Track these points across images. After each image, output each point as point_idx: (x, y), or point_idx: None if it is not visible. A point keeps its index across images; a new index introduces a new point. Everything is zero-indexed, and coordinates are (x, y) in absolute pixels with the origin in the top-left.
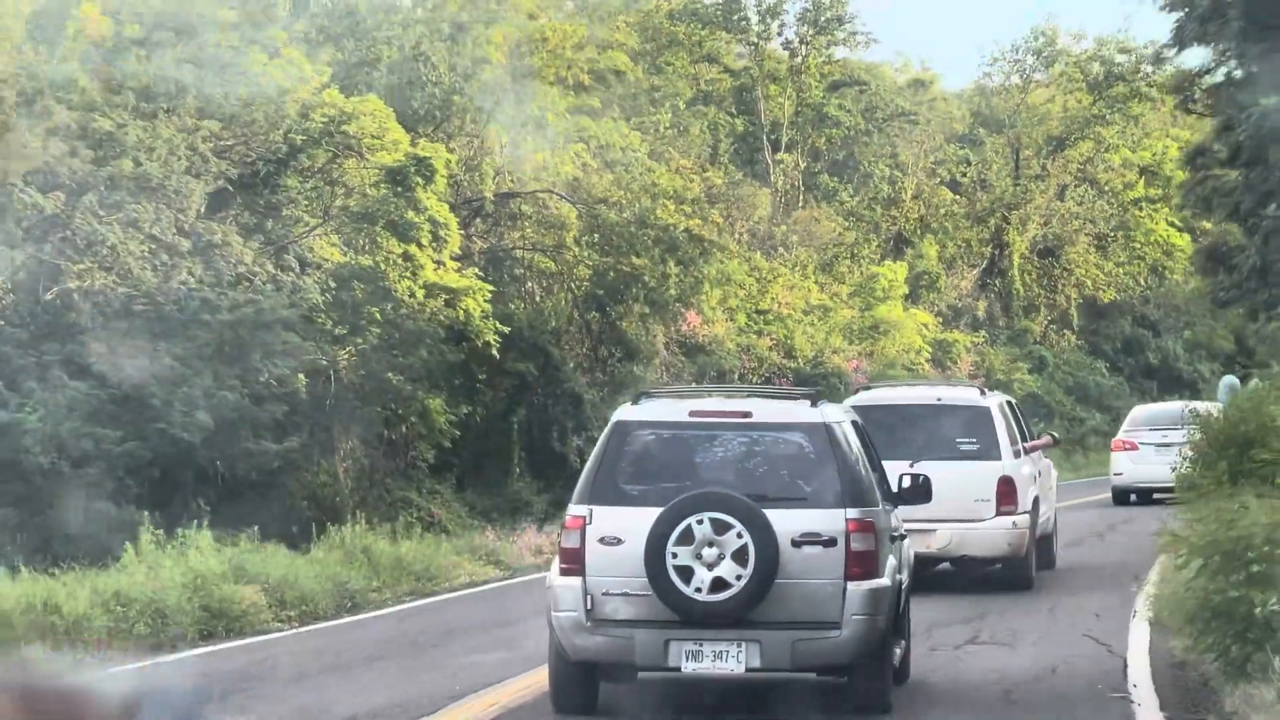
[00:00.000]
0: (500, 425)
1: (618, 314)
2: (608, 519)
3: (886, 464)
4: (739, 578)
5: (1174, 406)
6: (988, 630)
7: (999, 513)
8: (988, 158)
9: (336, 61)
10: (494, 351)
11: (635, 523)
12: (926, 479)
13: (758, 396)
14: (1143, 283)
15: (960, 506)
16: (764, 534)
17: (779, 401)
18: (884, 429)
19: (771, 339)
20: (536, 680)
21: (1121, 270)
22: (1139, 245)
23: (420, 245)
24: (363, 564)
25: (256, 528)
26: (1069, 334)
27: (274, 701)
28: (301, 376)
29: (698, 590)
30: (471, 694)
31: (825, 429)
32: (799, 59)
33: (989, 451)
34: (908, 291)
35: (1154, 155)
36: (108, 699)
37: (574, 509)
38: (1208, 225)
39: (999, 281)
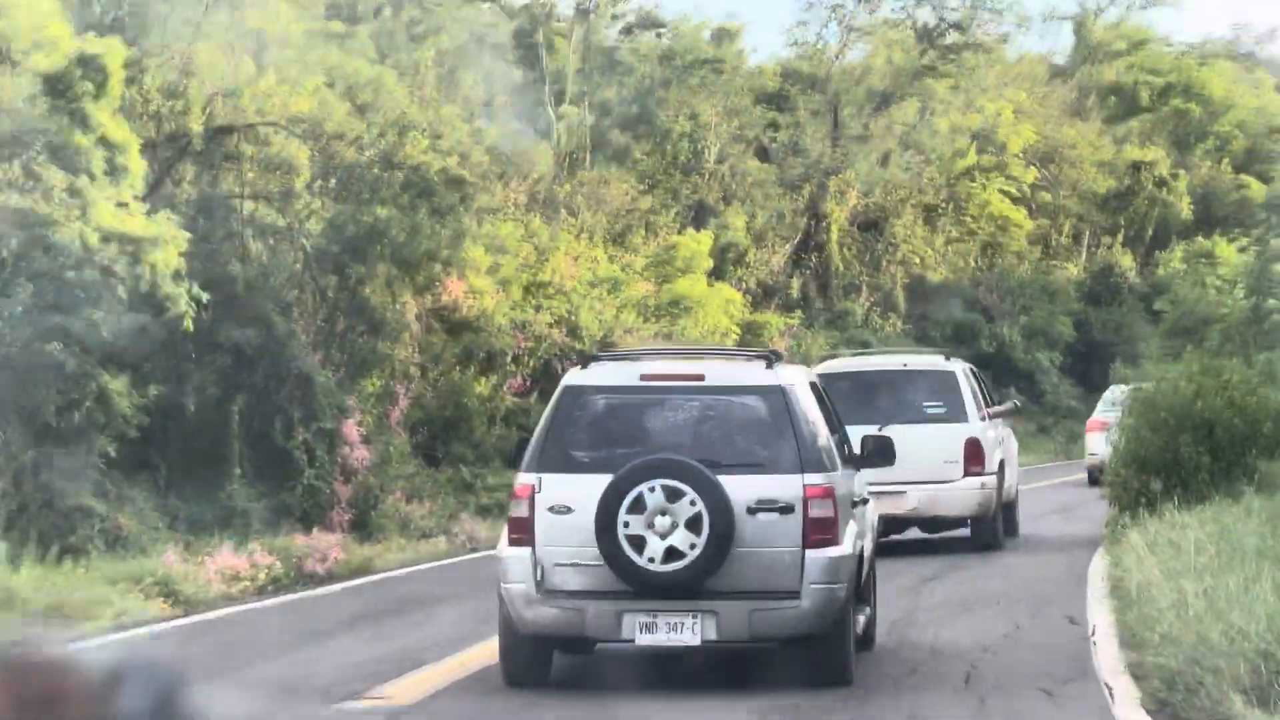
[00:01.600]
0: (215, 414)
1: (358, 277)
2: (557, 487)
3: (855, 429)
4: (693, 547)
5: None
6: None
7: (967, 473)
8: (800, 120)
9: None
10: (188, 323)
11: (585, 491)
12: (888, 439)
13: (712, 358)
14: (974, 262)
15: (929, 469)
16: (718, 501)
17: (734, 363)
18: (852, 396)
19: (552, 315)
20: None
21: (951, 248)
22: (971, 220)
23: (92, 176)
24: None
25: None
26: (894, 317)
27: None
28: None
29: (651, 560)
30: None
31: (781, 391)
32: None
33: (956, 414)
34: (713, 265)
35: (986, 119)
36: (89, 671)
37: (522, 477)
38: None
39: (816, 257)
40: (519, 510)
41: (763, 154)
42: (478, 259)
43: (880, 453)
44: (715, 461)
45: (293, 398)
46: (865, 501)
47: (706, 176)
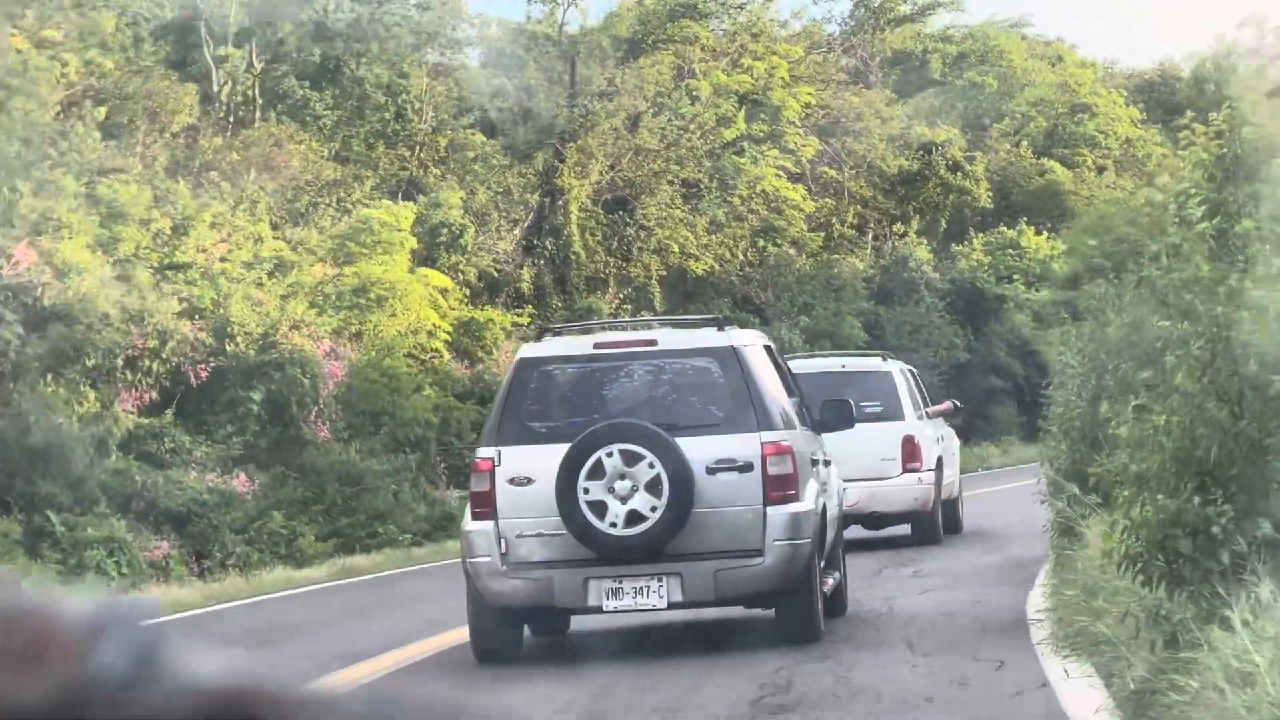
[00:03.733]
0: None
1: None
2: (516, 459)
3: None
4: (654, 509)
5: None
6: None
7: (905, 470)
8: (530, 82)
9: None
10: None
11: (545, 461)
12: (847, 403)
13: (663, 325)
14: (744, 255)
15: (868, 466)
16: (677, 462)
17: (685, 329)
18: None
19: (182, 303)
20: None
21: (717, 236)
22: (740, 200)
23: None
24: None
25: None
26: (648, 316)
27: None
28: None
29: (612, 525)
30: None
31: (734, 352)
32: None
33: (893, 413)
34: (419, 248)
35: (756, 79)
36: (67, 623)
37: (482, 451)
38: None
39: (552, 243)
40: (480, 484)
41: (489, 128)
42: (77, 225)
43: (838, 415)
44: (672, 424)
45: None
46: (828, 464)
47: (416, 149)
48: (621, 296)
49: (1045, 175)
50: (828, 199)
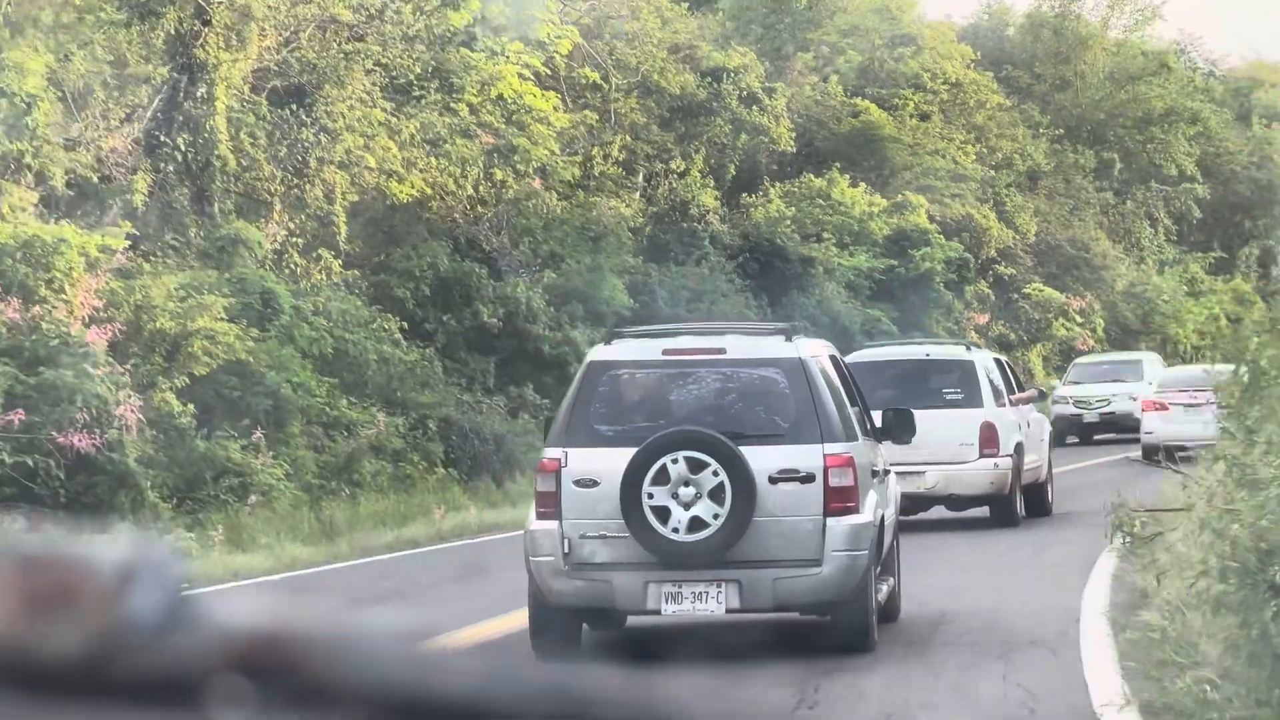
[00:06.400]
0: None
1: None
2: (583, 461)
3: (880, 413)
4: (716, 516)
5: (1204, 370)
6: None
7: (982, 455)
8: None
9: None
10: None
11: (610, 464)
12: (908, 412)
13: (732, 333)
14: (471, 186)
15: (947, 450)
16: (740, 471)
17: (753, 337)
18: (879, 381)
19: None
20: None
21: (430, 153)
22: (465, 105)
23: None
24: None
25: None
26: (328, 261)
27: None
28: None
29: (675, 530)
30: None
31: (801, 364)
32: None
33: (972, 400)
34: None
35: None
36: (100, 568)
37: (549, 452)
38: None
39: (187, 141)
40: (545, 484)
41: None
42: None
43: (900, 425)
44: (737, 433)
45: None
46: (887, 473)
47: None
48: (291, 227)
49: (859, 117)
50: (589, 111)
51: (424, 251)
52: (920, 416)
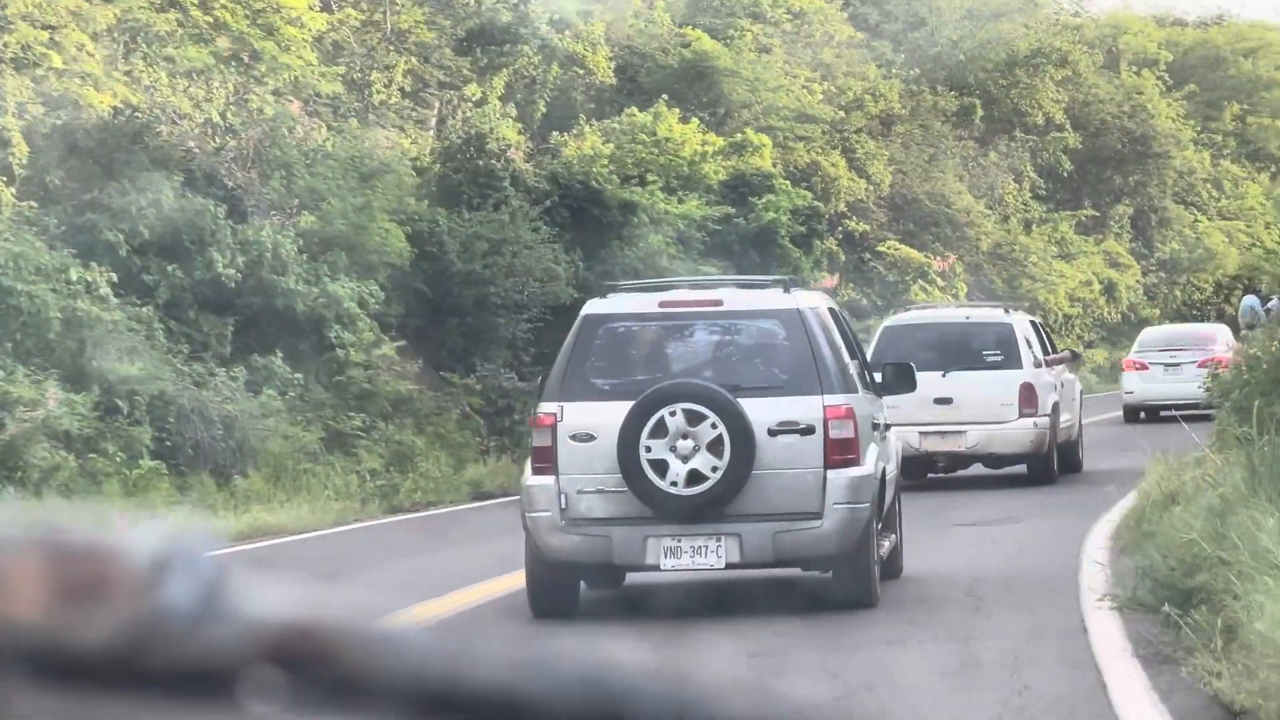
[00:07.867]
0: None
1: None
2: (579, 415)
3: (921, 374)
4: (715, 469)
5: (1182, 329)
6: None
7: (1021, 414)
8: None
9: None
10: None
11: (607, 418)
12: (909, 366)
13: (729, 285)
14: (216, 108)
15: (987, 410)
16: (739, 423)
17: (751, 290)
18: (919, 344)
19: None
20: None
21: (153, 71)
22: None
23: None
24: None
25: None
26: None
27: None
28: None
29: (673, 484)
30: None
31: (799, 315)
32: None
33: (1012, 361)
34: None
35: None
36: (134, 557)
37: (545, 406)
38: None
39: None
40: (542, 439)
41: None
42: None
43: (900, 379)
44: (735, 385)
45: None
46: (887, 427)
47: None
48: None
49: (690, 48)
50: (351, 10)
51: (144, 184)
52: (961, 377)
